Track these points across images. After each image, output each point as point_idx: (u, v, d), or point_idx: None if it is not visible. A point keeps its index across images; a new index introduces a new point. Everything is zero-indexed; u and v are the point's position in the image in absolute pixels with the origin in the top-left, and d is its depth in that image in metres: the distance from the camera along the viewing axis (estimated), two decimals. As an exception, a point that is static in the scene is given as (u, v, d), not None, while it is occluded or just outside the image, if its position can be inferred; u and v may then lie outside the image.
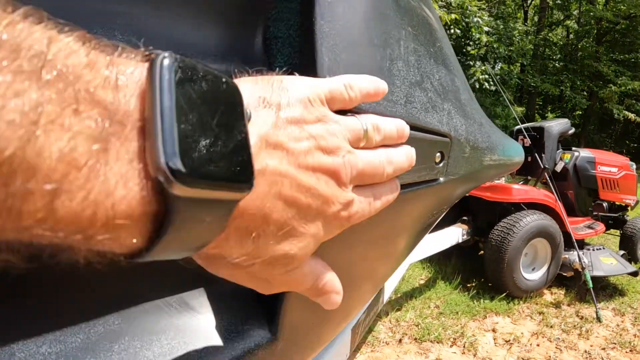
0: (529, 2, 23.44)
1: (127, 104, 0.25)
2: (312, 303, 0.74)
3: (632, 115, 18.05)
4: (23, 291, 0.53)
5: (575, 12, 22.44)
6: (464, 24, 12.79)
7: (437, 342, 3.53)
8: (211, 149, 0.28)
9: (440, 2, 11.67)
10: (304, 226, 0.37)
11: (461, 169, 0.87)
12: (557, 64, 22.14)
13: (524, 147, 5.19)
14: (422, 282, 4.87)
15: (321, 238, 0.40)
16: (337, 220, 0.40)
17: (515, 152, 1.36)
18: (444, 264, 5.26)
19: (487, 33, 13.44)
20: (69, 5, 0.43)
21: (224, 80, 0.30)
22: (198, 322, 0.67)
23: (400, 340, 3.53)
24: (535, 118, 21.37)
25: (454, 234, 4.58)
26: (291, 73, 0.55)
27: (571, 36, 23.38)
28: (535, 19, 23.13)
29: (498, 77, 15.87)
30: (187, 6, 0.54)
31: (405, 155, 0.48)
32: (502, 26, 17.10)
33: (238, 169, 0.29)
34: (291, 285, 0.42)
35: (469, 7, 12.61)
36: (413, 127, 0.66)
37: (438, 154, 0.74)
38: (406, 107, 0.66)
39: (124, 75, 0.25)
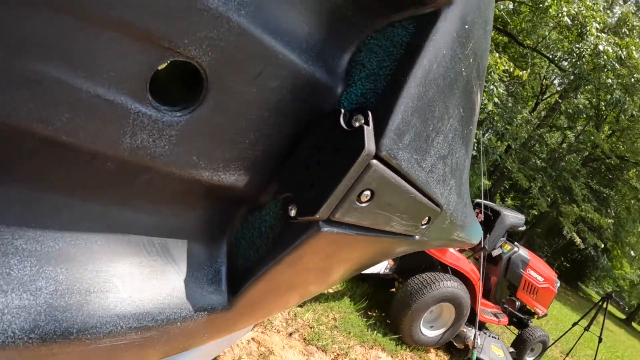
0: (544, 96, 24.07)
1: None
2: (273, 290, 0.83)
3: (578, 240, 18.76)
4: (15, 175, 0.56)
5: (579, 127, 23.07)
6: (479, 85, 13.00)
7: (322, 351, 3.70)
8: None
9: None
10: None
11: (434, 235, 1.00)
12: (539, 162, 22.83)
13: (476, 220, 5.47)
14: (331, 291, 5.05)
15: None
16: None
17: (476, 235, 1.51)
18: (357, 285, 5.44)
19: (495, 104, 13.77)
20: None
21: None
22: (171, 269, 0.72)
23: (290, 334, 3.68)
24: (495, 197, 21.98)
25: (380, 264, 4.77)
26: (361, 111, 0.64)
27: (564, 145, 24.12)
28: (542, 114, 23.75)
29: (484, 146, 16.26)
30: None
31: None
32: (510, 104, 17.52)
33: None
34: None
35: (493, 72, 12.87)
36: (422, 192, 0.78)
37: (427, 218, 0.87)
38: (428, 174, 0.78)
39: None
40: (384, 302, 5.22)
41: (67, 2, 0.46)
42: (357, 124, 0.64)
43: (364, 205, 0.68)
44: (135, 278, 0.67)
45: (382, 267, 4.81)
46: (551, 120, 22.52)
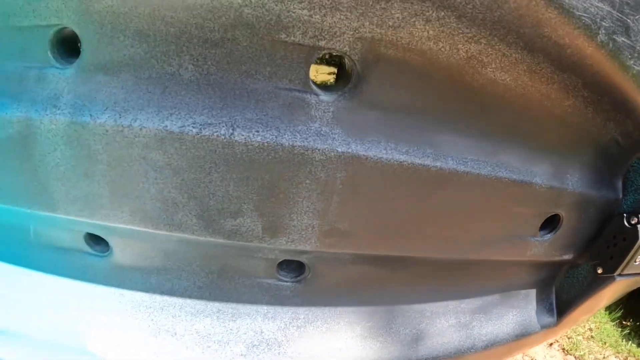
0: None
1: None
2: (582, 312, 1.33)
3: None
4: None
5: None
6: None
7: (579, 361, 4.10)
8: None
9: None
10: None
11: None
12: None
13: None
14: (586, 298, 5.23)
15: None
16: None
17: None
18: (612, 292, 5.44)
19: None
20: None
21: None
22: (513, 311, 1.23)
23: (551, 345, 4.20)
24: None
25: None
26: (636, 214, 1.09)
27: None
28: None
29: None
30: None
31: None
32: None
33: None
34: None
35: None
36: None
37: None
38: None
39: None
40: (638, 310, 5.20)
41: None
42: (633, 222, 1.05)
43: (636, 263, 1.13)
44: (499, 321, 1.12)
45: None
46: None
